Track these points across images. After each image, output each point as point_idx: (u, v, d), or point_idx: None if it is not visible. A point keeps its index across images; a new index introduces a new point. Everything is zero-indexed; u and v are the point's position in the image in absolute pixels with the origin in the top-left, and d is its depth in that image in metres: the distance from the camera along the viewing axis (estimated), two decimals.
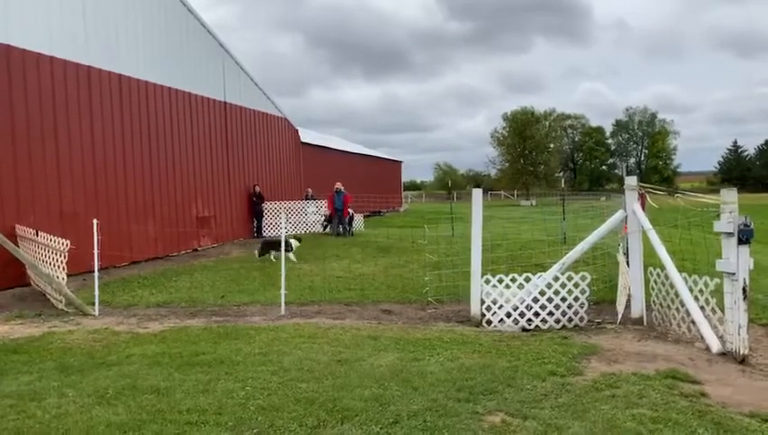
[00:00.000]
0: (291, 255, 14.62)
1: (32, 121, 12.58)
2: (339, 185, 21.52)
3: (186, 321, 8.93)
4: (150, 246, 16.17)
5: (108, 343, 7.43)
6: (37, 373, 6.08)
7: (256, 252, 15.70)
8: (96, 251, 9.71)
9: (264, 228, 22.44)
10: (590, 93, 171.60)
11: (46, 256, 10.30)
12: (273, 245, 14.99)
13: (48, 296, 10.54)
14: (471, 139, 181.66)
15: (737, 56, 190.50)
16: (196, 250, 18.28)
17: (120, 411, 4.94)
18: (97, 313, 9.53)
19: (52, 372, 6.10)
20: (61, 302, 9.91)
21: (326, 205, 23.29)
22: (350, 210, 22.42)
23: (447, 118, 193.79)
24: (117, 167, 15.07)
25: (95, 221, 9.86)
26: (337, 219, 21.51)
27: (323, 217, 23.28)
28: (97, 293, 9.74)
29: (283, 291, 9.57)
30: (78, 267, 11.32)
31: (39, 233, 10.92)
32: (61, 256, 9.80)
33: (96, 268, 9.82)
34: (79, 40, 13.93)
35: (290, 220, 22.55)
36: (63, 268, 9.75)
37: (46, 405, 5.11)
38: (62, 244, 9.84)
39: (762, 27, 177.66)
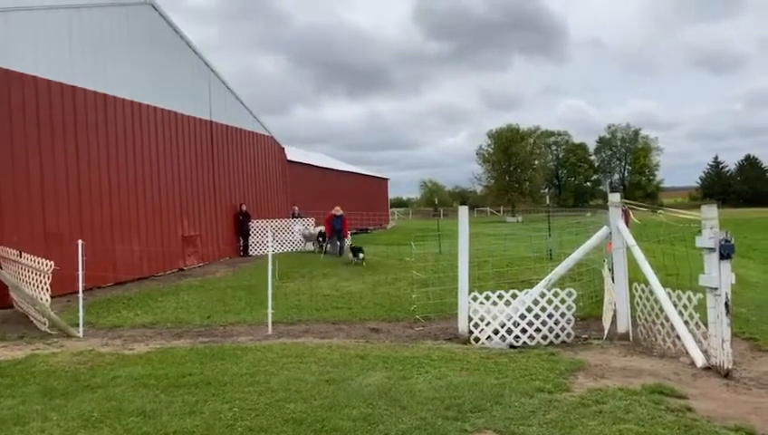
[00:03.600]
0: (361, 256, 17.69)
1: (15, 141, 12.52)
2: (339, 210, 20.84)
3: (172, 342, 8.86)
4: (135, 266, 16.03)
5: (92, 365, 7.33)
6: (20, 397, 5.99)
7: (351, 256, 18.17)
8: (80, 272, 9.61)
9: (251, 247, 22.35)
10: (570, 110, 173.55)
11: (30, 277, 10.18)
12: (354, 251, 18.10)
13: (31, 318, 10.40)
14: (454, 155, 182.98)
15: (711, 74, 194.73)
16: (182, 270, 18.15)
17: None
18: (81, 334, 9.42)
19: (36, 396, 6.01)
20: (44, 324, 9.78)
21: (314, 223, 23.28)
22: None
23: (430, 135, 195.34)
24: (102, 186, 14.99)
25: (80, 242, 9.78)
26: (335, 239, 21.09)
27: (317, 234, 23.01)
28: (81, 314, 9.63)
29: (270, 310, 9.53)
30: (62, 288, 11.18)
31: (22, 254, 10.80)
32: (44, 277, 9.69)
33: (80, 289, 9.72)
34: (64, 60, 13.93)
35: (276, 239, 22.47)
36: (47, 289, 9.63)
37: (30, 429, 5.03)
38: (46, 265, 9.74)
39: (733, 46, 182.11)
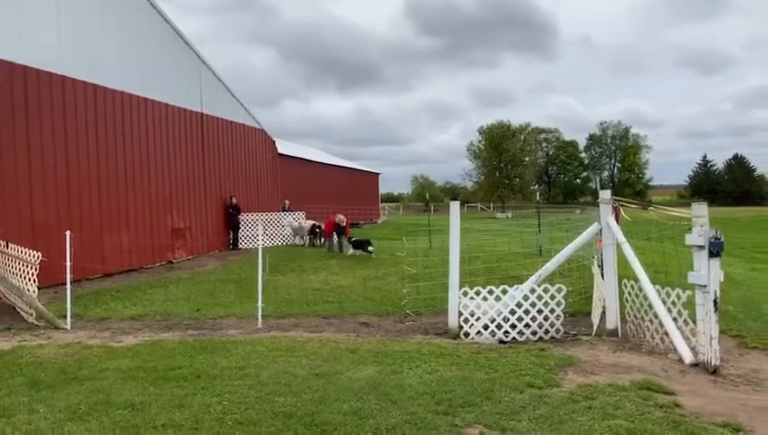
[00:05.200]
0: (371, 248, 18.08)
1: (3, 131, 12.36)
2: (342, 220, 20.27)
3: (160, 334, 8.80)
4: (124, 257, 15.92)
5: (80, 357, 7.28)
6: (6, 389, 5.92)
7: (351, 249, 18.42)
8: (68, 263, 9.52)
9: (241, 240, 22.26)
10: (560, 108, 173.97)
11: (16, 268, 10.07)
12: (360, 244, 18.37)
13: (18, 309, 10.29)
14: (445, 151, 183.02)
15: (699, 74, 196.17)
16: (171, 262, 18.04)
17: (94, 428, 4.84)
18: (69, 326, 9.34)
19: (23, 388, 5.95)
20: (31, 315, 9.68)
21: (304, 217, 23.32)
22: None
23: (421, 131, 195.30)
24: (90, 177, 14.85)
25: (68, 233, 9.68)
26: (335, 237, 20.75)
27: (309, 228, 22.91)
28: (69, 306, 9.54)
29: (260, 304, 9.49)
30: (49, 280, 11.06)
31: (9, 244, 10.67)
32: (31, 268, 9.59)
33: (68, 281, 9.62)
34: (53, 49, 13.75)
35: (267, 232, 22.39)
36: (34, 281, 9.53)
37: (16, 422, 4.98)
38: (33, 256, 9.64)
39: (719, 46, 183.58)
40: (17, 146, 12.68)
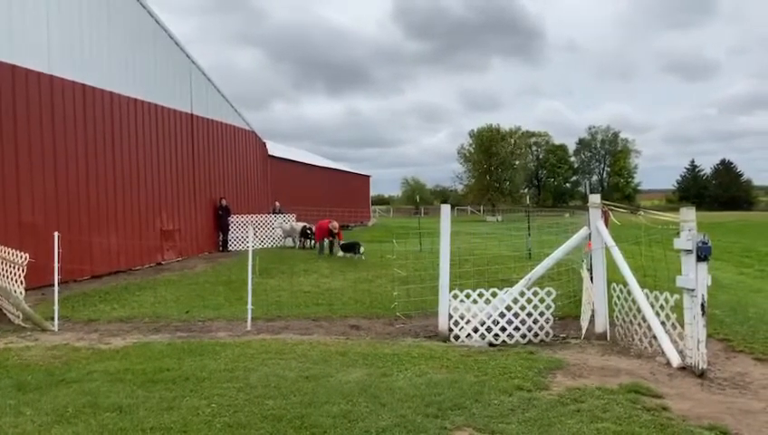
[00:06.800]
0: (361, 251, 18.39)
1: None
2: (336, 227, 20.06)
3: (149, 336, 8.74)
4: (112, 259, 15.82)
5: (67, 359, 7.22)
6: None
7: (340, 252, 18.78)
8: (56, 264, 9.44)
9: (231, 242, 22.18)
10: (548, 112, 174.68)
11: (3, 269, 9.96)
12: (350, 247, 18.64)
13: (4, 311, 10.18)
14: (434, 154, 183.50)
15: (684, 80, 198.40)
16: (160, 264, 17.95)
17: (81, 430, 4.81)
18: (56, 328, 9.25)
19: (9, 390, 5.89)
20: (18, 317, 9.59)
21: (294, 218, 23.25)
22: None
23: (411, 133, 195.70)
24: (79, 178, 14.75)
25: (56, 234, 9.60)
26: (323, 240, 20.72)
27: (300, 230, 22.86)
28: (56, 307, 9.45)
29: (249, 306, 9.45)
30: (36, 281, 10.99)
31: None
32: (18, 269, 9.50)
33: (56, 282, 9.54)
34: (42, 49, 13.66)
35: (257, 234, 22.33)
36: (21, 282, 9.44)
37: (2, 424, 4.93)
38: (20, 256, 9.55)
39: (704, 53, 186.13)
40: (4, 145, 12.58)
